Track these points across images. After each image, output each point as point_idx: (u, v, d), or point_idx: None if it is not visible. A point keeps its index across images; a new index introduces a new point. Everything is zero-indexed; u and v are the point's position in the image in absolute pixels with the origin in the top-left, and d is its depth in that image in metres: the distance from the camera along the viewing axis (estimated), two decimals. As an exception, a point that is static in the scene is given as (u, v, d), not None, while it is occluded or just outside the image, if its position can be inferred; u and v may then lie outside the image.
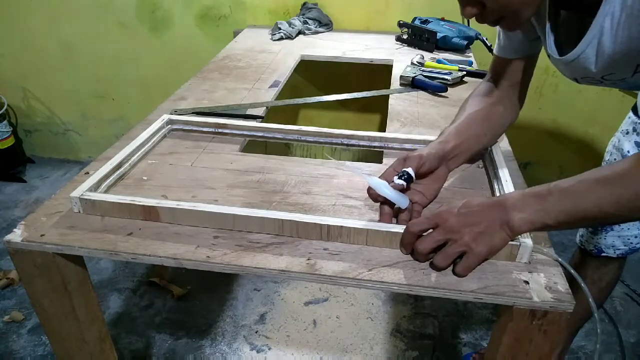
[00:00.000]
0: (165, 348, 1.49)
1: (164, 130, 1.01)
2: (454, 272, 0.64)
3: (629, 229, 1.09)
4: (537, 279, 0.63)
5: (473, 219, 0.63)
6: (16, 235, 0.71)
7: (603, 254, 1.14)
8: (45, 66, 2.23)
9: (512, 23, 0.68)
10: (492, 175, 0.85)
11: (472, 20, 1.93)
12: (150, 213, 0.73)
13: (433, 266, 0.65)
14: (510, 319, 0.62)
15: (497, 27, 0.86)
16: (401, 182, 0.71)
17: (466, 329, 1.56)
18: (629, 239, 1.11)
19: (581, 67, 0.70)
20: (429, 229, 0.65)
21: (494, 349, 0.69)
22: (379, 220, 0.72)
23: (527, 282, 0.63)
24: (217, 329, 1.55)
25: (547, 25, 0.73)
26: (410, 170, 0.72)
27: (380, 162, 0.93)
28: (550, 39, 0.74)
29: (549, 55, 0.77)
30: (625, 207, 0.58)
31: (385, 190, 0.69)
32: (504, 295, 0.61)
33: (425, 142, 0.95)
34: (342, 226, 0.68)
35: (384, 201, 0.72)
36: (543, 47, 0.81)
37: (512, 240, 0.64)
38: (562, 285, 0.63)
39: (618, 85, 0.74)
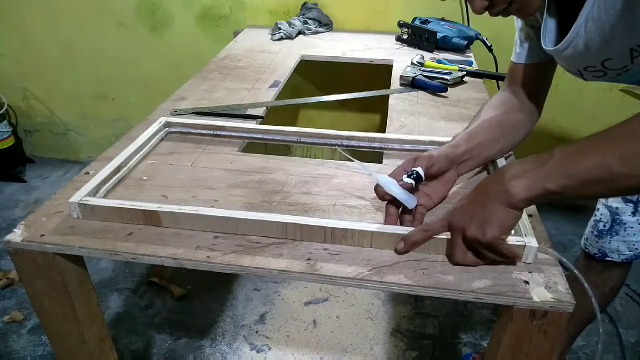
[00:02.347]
0: (165, 348, 1.49)
1: (161, 133, 1.00)
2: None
3: (634, 234, 1.09)
4: (537, 279, 0.63)
5: (473, 208, 0.62)
6: (16, 235, 0.71)
7: (607, 258, 1.13)
8: (45, 66, 2.23)
9: (523, 5, 0.66)
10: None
11: (472, 20, 1.92)
12: (151, 217, 0.73)
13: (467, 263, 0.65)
14: (510, 319, 0.62)
15: (516, 35, 0.85)
16: (410, 180, 0.70)
17: (466, 329, 1.56)
18: (634, 245, 1.10)
19: (577, 54, 0.69)
20: (442, 232, 0.66)
21: (494, 349, 0.69)
22: (385, 222, 0.72)
23: (527, 282, 0.63)
24: (217, 329, 1.55)
25: (545, 16, 0.72)
26: (419, 169, 0.71)
27: (380, 163, 0.93)
28: (548, 31, 0.73)
29: (549, 52, 0.75)
30: (632, 162, 0.53)
31: (394, 188, 0.69)
32: (504, 295, 0.61)
33: (426, 143, 0.95)
34: (346, 229, 0.68)
35: (391, 201, 0.72)
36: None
37: (518, 209, 0.60)
38: (562, 285, 0.63)
39: (626, 77, 0.72)
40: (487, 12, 0.68)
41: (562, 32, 0.70)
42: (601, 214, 1.13)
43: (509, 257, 0.64)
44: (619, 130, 0.56)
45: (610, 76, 0.72)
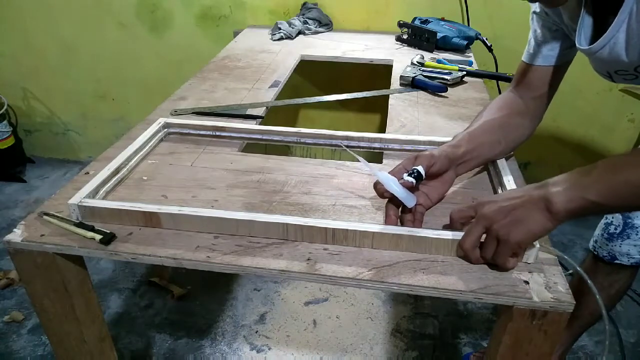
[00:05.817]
0: (165, 348, 1.49)
1: (160, 134, 1.00)
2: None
3: None
4: (537, 279, 0.63)
5: (509, 206, 0.61)
6: (16, 235, 0.71)
7: (616, 261, 1.13)
8: (45, 66, 2.23)
9: None
10: (493, 174, 0.85)
11: (472, 20, 1.93)
12: (150, 219, 0.72)
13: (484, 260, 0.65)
14: (510, 319, 0.62)
15: (530, 34, 0.83)
16: (411, 179, 0.70)
17: (466, 329, 1.56)
18: None
19: (613, 56, 0.68)
20: (469, 216, 0.65)
21: (494, 349, 0.69)
22: (385, 222, 0.71)
23: (527, 282, 0.63)
24: (217, 329, 1.55)
25: (582, 12, 0.70)
26: (420, 168, 0.71)
27: (380, 163, 0.93)
28: (583, 28, 0.71)
29: (583, 51, 0.74)
30: None
31: (394, 186, 0.68)
32: (504, 295, 0.61)
33: (425, 143, 0.95)
34: (347, 229, 0.68)
35: (390, 199, 0.71)
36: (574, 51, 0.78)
37: (555, 220, 0.60)
38: (562, 285, 0.63)
39: None
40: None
41: (596, 32, 0.69)
42: (612, 217, 1.12)
43: (501, 268, 0.64)
44: None
45: None
